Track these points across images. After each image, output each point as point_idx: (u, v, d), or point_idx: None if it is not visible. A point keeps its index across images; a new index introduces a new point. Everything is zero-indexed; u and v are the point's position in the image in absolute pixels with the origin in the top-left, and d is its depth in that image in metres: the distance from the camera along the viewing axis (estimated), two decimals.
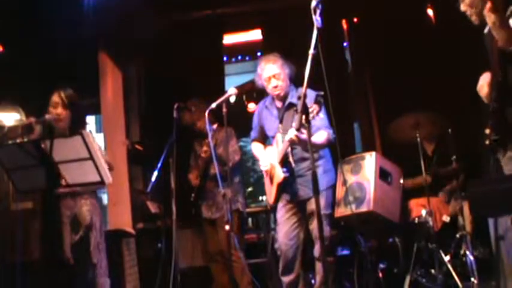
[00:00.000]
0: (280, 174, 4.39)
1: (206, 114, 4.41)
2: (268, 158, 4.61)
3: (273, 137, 4.62)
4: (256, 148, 4.85)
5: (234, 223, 5.45)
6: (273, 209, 4.75)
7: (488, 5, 2.90)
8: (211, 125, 5.05)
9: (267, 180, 4.70)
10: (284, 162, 4.37)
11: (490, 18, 2.94)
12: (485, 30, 3.19)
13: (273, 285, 5.66)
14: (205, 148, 5.36)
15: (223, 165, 5.00)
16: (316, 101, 3.41)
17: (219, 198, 5.40)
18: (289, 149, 4.30)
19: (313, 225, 4.39)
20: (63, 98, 4.24)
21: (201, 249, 6.20)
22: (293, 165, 4.38)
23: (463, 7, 3.26)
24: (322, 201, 4.17)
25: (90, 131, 4.28)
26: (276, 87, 4.50)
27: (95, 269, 4.12)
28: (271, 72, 4.49)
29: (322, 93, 3.42)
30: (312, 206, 4.37)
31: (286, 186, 4.47)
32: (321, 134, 4.29)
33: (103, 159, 3.77)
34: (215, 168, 4.70)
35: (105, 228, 4.46)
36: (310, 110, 3.40)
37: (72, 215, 4.14)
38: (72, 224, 4.13)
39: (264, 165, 4.63)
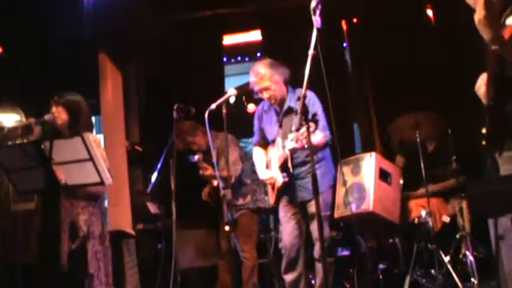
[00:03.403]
0: (279, 179, 4.41)
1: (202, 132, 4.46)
2: (265, 170, 4.63)
3: (273, 141, 4.62)
4: (256, 155, 4.83)
5: (254, 221, 5.52)
6: (274, 210, 4.76)
7: None
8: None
9: (268, 184, 4.72)
10: (284, 167, 4.38)
11: (479, 12, 2.91)
12: None
13: (275, 286, 5.66)
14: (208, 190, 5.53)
15: (227, 183, 4.97)
16: (313, 120, 3.40)
17: (238, 201, 5.45)
18: (289, 155, 4.30)
19: (314, 227, 4.40)
20: (55, 99, 4.23)
21: (208, 248, 6.20)
22: (291, 170, 4.38)
23: None
24: (321, 203, 4.14)
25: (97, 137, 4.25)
26: (269, 98, 4.51)
27: (92, 279, 4.09)
28: (260, 86, 4.48)
29: (318, 112, 3.39)
30: (312, 208, 4.37)
31: (286, 189, 4.48)
32: (318, 135, 4.21)
33: (105, 164, 3.76)
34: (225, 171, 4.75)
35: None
36: (301, 131, 3.44)
37: (70, 222, 4.11)
38: (69, 232, 4.10)
39: (263, 177, 4.64)
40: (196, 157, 5.42)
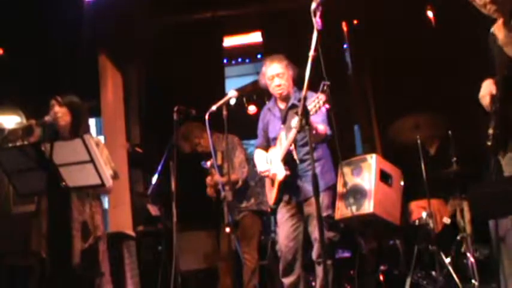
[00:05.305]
0: (282, 172, 4.36)
1: (208, 134, 4.45)
2: (265, 165, 4.62)
3: (275, 138, 4.62)
4: (258, 155, 4.84)
5: (257, 223, 5.54)
6: (273, 211, 4.75)
7: (501, 21, 2.94)
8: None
9: (267, 182, 4.70)
10: (287, 160, 4.35)
11: (499, 33, 2.99)
12: (492, 29, 3.18)
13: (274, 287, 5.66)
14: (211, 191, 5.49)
15: (233, 186, 4.96)
16: (322, 90, 3.39)
17: (242, 204, 5.48)
18: (293, 146, 4.29)
19: (312, 227, 4.39)
20: (58, 99, 4.25)
21: (209, 250, 6.20)
22: (297, 162, 4.36)
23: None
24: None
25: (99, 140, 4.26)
26: (279, 86, 4.52)
27: (102, 277, 4.10)
28: (276, 71, 4.51)
29: (328, 82, 3.35)
30: (309, 208, 4.37)
31: (287, 186, 4.46)
32: (320, 126, 4.26)
33: (109, 166, 3.77)
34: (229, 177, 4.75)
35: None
36: (316, 100, 3.42)
37: (83, 221, 4.12)
38: (82, 231, 4.10)
39: (261, 170, 4.63)
40: (208, 163, 5.42)
